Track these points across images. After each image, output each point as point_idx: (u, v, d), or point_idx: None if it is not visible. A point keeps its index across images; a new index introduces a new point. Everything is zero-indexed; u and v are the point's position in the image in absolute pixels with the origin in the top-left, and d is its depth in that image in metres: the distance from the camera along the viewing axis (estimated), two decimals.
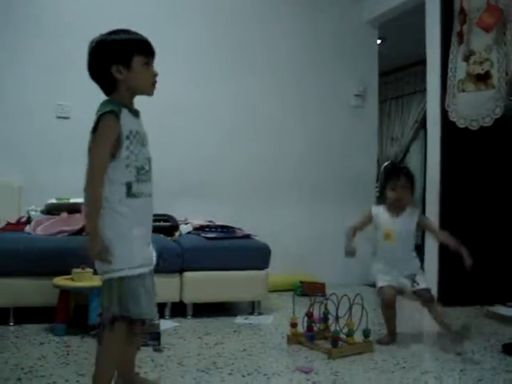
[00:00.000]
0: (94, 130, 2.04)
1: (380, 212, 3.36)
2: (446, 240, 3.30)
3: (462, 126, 4.17)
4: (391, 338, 3.36)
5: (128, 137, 2.05)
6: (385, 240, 3.36)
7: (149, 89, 2.15)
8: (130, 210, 2.06)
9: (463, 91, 4.14)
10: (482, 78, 4.00)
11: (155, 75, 2.15)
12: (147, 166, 2.14)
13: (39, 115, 4.60)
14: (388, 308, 3.38)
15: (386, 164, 3.32)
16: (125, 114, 2.06)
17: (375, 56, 5.81)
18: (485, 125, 4.03)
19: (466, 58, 4.11)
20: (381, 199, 3.36)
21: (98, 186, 2.01)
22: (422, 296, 3.32)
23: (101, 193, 2.02)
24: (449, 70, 4.27)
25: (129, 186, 2.07)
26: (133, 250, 2.08)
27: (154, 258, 2.23)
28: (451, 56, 4.26)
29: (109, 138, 2.02)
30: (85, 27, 4.59)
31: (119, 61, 2.06)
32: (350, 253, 3.38)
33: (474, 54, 4.05)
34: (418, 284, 3.30)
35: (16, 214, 4.28)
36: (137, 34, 2.15)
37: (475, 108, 4.08)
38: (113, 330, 2.08)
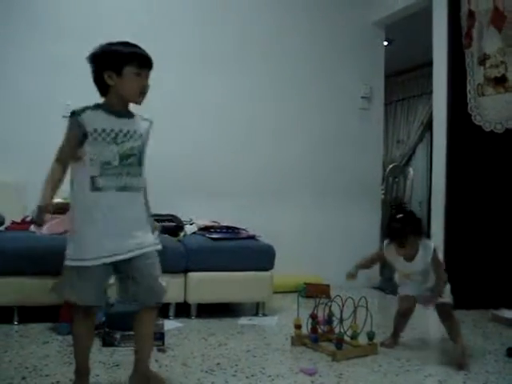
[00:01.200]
0: None
1: (393, 256, 3.27)
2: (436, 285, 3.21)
3: (488, 130, 4.15)
4: (395, 340, 3.35)
5: (91, 134, 2.22)
6: (404, 278, 3.34)
7: (135, 97, 2.32)
8: (92, 203, 2.24)
9: (483, 95, 4.12)
10: (500, 81, 3.98)
11: (144, 86, 2.30)
12: (116, 161, 2.25)
13: (45, 114, 4.60)
14: (402, 317, 3.37)
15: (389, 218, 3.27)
16: (95, 113, 2.26)
17: (381, 58, 5.80)
18: (509, 127, 4.02)
19: (482, 62, 4.09)
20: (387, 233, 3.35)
21: (53, 168, 2.30)
22: (441, 310, 3.22)
23: (54, 169, 2.29)
24: (467, 74, 4.25)
25: (92, 180, 2.24)
26: (79, 244, 2.27)
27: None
28: (467, 60, 4.24)
29: (67, 136, 2.28)
30: (92, 28, 4.66)
31: (111, 68, 2.26)
32: (352, 278, 3.37)
33: (490, 57, 4.04)
34: (440, 296, 3.23)
35: (21, 213, 4.28)
36: (136, 46, 2.33)
37: (498, 111, 4.06)
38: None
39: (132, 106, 2.39)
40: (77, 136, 2.24)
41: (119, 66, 2.25)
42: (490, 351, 3.31)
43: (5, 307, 3.55)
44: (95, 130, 2.23)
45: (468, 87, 4.25)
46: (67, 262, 2.27)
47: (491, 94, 4.09)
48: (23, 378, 2.56)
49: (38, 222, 2.31)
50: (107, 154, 2.25)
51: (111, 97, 2.32)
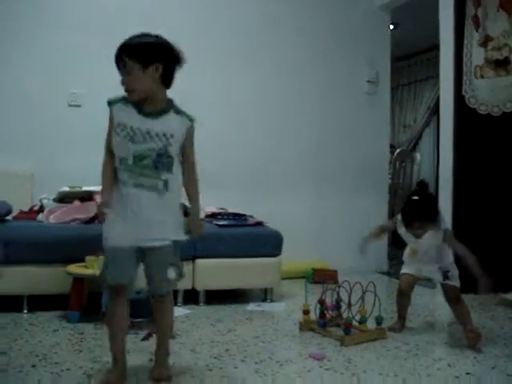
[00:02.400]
0: None
1: (403, 232, 3.27)
2: (465, 255, 3.18)
3: (484, 113, 4.12)
4: (401, 324, 3.35)
5: (116, 127, 2.27)
6: (411, 254, 3.31)
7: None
8: (116, 190, 2.32)
9: (482, 77, 4.08)
10: (502, 64, 3.95)
11: (122, 83, 2.27)
12: (131, 160, 2.26)
13: (51, 103, 4.60)
14: (401, 295, 3.36)
15: (406, 200, 3.25)
16: (124, 107, 2.28)
17: (388, 42, 5.76)
18: (507, 111, 3.99)
19: (484, 44, 4.06)
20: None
21: (104, 161, 2.35)
22: (448, 292, 3.23)
23: (105, 165, 2.34)
24: (464, 56, 4.22)
25: (116, 170, 2.32)
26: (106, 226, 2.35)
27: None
28: (466, 41, 4.21)
29: (109, 124, 2.33)
30: (97, 18, 4.66)
31: None
32: (364, 252, 3.36)
33: (492, 39, 4.00)
34: (449, 279, 3.23)
35: (29, 203, 4.30)
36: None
37: (496, 94, 4.03)
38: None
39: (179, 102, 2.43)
40: (113, 125, 2.29)
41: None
42: (499, 335, 3.31)
43: (14, 296, 3.57)
44: (119, 124, 2.26)
45: (464, 69, 4.21)
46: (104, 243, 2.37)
47: (491, 76, 4.05)
48: (33, 366, 2.57)
49: (100, 217, 2.37)
50: (125, 151, 2.26)
51: None
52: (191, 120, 2.38)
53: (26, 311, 3.55)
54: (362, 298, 3.17)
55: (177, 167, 2.35)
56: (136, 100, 2.27)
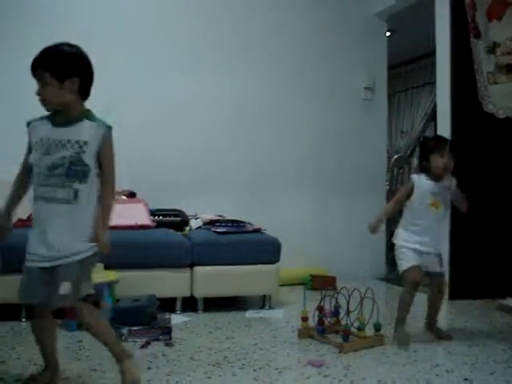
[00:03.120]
0: None
1: (423, 180, 3.30)
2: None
3: (503, 117, 4.12)
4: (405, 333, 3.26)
5: (34, 146, 2.30)
6: (430, 207, 3.27)
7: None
8: (33, 210, 2.34)
9: (495, 83, 4.09)
10: None
11: (38, 94, 2.28)
12: (46, 172, 2.25)
13: None
14: (414, 288, 3.24)
15: (424, 136, 3.38)
16: (35, 125, 2.34)
17: (384, 48, 5.79)
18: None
19: (492, 50, 4.06)
20: (419, 169, 3.36)
21: (17, 174, 2.43)
22: (440, 280, 3.33)
23: (15, 182, 2.42)
24: (474, 64, 4.22)
25: (34, 188, 2.32)
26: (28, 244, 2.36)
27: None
28: (473, 49, 4.21)
29: (28, 144, 2.37)
30: (99, 28, 4.66)
31: None
32: (376, 231, 3.34)
33: (500, 45, 4.00)
34: (442, 266, 3.29)
35: (27, 211, 4.28)
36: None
37: (510, 98, 4.03)
38: None
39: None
40: (29, 144, 2.35)
41: None
42: (498, 341, 3.31)
43: (12, 304, 3.55)
44: (36, 142, 2.28)
45: (477, 76, 4.22)
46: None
47: (504, 81, 4.06)
48: (31, 375, 2.57)
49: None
50: (40, 163, 2.26)
51: None
52: (107, 126, 2.30)
53: (24, 319, 3.54)
54: (361, 304, 3.17)
55: (93, 178, 2.28)
56: (51, 110, 2.31)
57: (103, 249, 2.30)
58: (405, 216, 3.38)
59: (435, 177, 3.29)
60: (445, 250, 4.16)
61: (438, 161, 3.26)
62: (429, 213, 3.28)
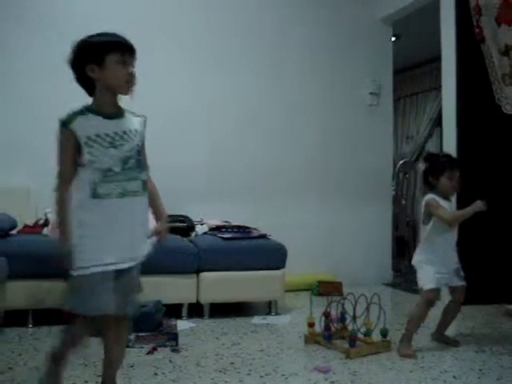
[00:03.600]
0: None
1: (440, 201, 3.29)
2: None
3: None
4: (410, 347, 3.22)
5: (86, 143, 2.08)
6: (448, 227, 3.27)
7: (122, 87, 2.15)
8: (95, 211, 2.10)
9: (511, 85, 4.08)
10: None
11: (130, 74, 2.13)
12: (117, 167, 2.12)
13: (52, 118, 4.60)
14: (428, 307, 3.22)
15: (435, 154, 3.32)
16: (83, 120, 2.10)
17: (390, 54, 5.79)
18: None
19: (506, 53, 4.05)
20: (425, 184, 3.37)
21: (64, 190, 2.12)
22: (461, 292, 3.31)
23: (63, 199, 2.11)
24: (487, 67, 4.21)
25: (94, 187, 2.09)
26: (85, 250, 2.10)
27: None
28: (484, 53, 4.20)
29: (63, 148, 2.14)
30: (94, 30, 4.66)
31: (92, 60, 2.10)
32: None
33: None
34: (462, 278, 3.29)
35: (33, 217, 4.30)
36: (114, 35, 2.17)
37: None
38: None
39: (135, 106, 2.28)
40: (73, 146, 2.10)
41: (99, 57, 2.10)
42: (505, 346, 3.30)
43: (19, 310, 3.57)
44: (89, 138, 2.08)
45: (491, 79, 4.21)
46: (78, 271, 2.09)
47: None
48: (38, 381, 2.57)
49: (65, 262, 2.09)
50: (108, 159, 2.10)
51: (99, 95, 2.16)
52: (144, 117, 2.28)
53: (31, 326, 3.56)
54: (367, 310, 3.16)
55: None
56: (129, 94, 2.18)
57: (163, 240, 2.29)
58: (424, 235, 3.34)
59: (442, 194, 3.27)
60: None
61: (447, 183, 3.26)
62: (446, 235, 3.27)
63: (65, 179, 2.12)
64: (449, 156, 3.39)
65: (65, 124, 2.10)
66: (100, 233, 2.11)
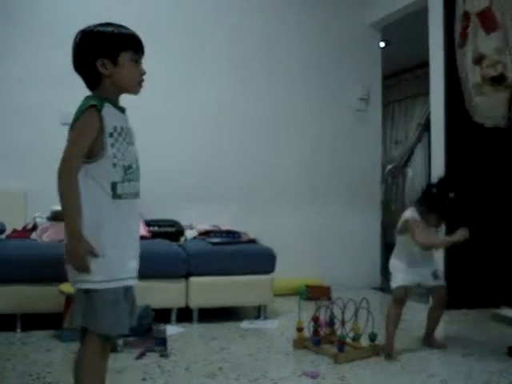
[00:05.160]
0: (73, 126, 1.89)
1: (420, 222, 3.30)
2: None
3: (491, 126, 4.13)
4: (391, 346, 3.21)
5: (112, 134, 1.88)
6: (417, 255, 3.30)
7: (134, 87, 2.01)
8: (113, 214, 1.89)
9: (481, 94, 4.11)
10: (498, 80, 3.98)
11: (142, 73, 2.01)
12: (135, 164, 1.98)
13: (44, 122, 4.60)
14: (400, 304, 3.25)
15: (446, 191, 3.25)
16: (108, 109, 1.90)
17: (378, 59, 5.82)
18: (501, 126, 4.02)
19: (478, 62, 4.08)
20: (418, 205, 3.33)
21: (75, 185, 1.85)
22: (440, 292, 3.33)
23: (78, 192, 1.85)
24: (459, 74, 4.24)
25: (114, 186, 1.89)
26: (108, 262, 1.87)
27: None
28: (458, 60, 4.23)
29: (88, 135, 1.86)
30: None
31: (105, 55, 1.93)
32: None
33: (485, 57, 4.03)
34: (439, 278, 3.33)
35: (22, 221, 4.29)
36: (127, 28, 2.04)
37: (497, 108, 4.05)
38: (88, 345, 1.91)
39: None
40: (97, 133, 1.86)
41: (114, 53, 1.93)
42: (492, 350, 3.32)
43: (7, 315, 3.55)
44: (115, 129, 1.90)
45: (462, 86, 4.24)
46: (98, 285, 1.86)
47: (490, 92, 4.08)
48: None
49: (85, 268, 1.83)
50: (128, 156, 1.94)
51: (106, 89, 1.95)
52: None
53: (19, 330, 3.54)
54: (356, 314, 3.17)
55: None
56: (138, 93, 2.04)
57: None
58: (397, 244, 3.39)
59: (427, 223, 3.28)
60: (440, 260, 4.19)
61: (437, 220, 3.29)
62: (419, 252, 3.28)
63: (76, 164, 1.86)
64: (454, 201, 3.31)
65: (97, 107, 1.87)
66: (121, 240, 1.92)
